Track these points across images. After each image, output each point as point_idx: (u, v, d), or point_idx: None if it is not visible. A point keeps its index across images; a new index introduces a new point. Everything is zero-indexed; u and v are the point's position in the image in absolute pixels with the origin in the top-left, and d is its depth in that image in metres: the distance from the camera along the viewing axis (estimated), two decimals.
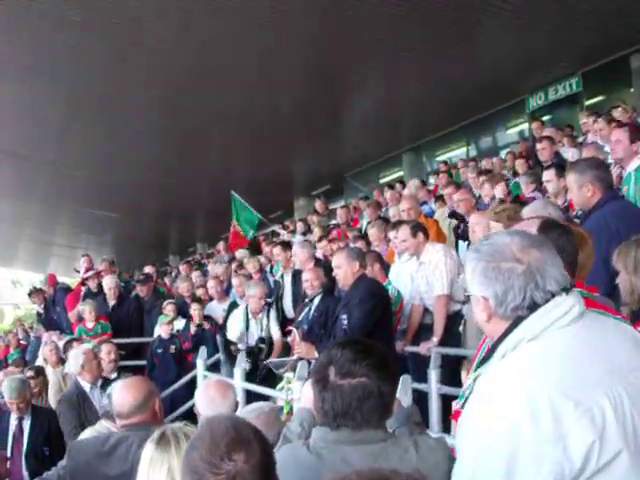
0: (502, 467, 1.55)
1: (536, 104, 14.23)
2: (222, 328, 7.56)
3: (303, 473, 1.95)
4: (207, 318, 8.22)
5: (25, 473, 5.21)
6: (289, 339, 6.14)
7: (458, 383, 4.63)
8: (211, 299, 8.96)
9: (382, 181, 18.32)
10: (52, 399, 6.54)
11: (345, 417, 1.97)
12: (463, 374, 4.60)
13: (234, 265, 10.24)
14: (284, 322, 7.09)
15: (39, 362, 8.10)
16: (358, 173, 19.85)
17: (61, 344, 7.35)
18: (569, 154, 8.45)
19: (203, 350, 7.37)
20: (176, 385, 7.67)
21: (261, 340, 6.77)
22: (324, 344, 5.04)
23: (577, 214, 4.85)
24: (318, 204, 13.87)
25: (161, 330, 8.19)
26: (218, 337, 7.11)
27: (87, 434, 3.70)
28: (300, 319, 6.06)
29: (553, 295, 1.73)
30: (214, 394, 3.16)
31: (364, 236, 8.19)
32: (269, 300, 7.37)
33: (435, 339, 5.59)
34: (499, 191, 7.21)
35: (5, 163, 17.48)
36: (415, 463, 1.92)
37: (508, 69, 12.50)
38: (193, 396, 3.48)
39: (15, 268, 41.63)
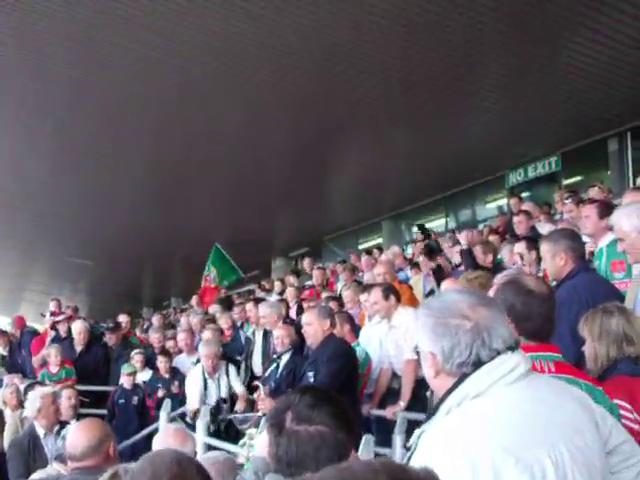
0: None
1: (515, 180, 14.49)
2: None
3: None
4: (174, 370, 8.07)
5: None
6: (255, 395, 6.05)
7: None
8: (180, 352, 8.82)
9: (361, 247, 18.39)
10: (7, 442, 6.31)
11: (300, 466, 1.87)
12: None
13: (206, 319, 10.12)
14: (252, 379, 7.00)
15: None
16: (337, 237, 19.98)
17: (22, 387, 7.17)
18: (545, 229, 8.55)
19: (167, 403, 7.19)
20: (138, 436, 7.45)
21: (223, 401, 6.73)
22: None
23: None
24: (306, 262, 13.87)
25: (123, 380, 8.03)
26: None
27: (36, 477, 3.57)
28: (268, 375, 5.99)
29: (499, 353, 1.74)
30: (172, 442, 3.09)
31: (338, 298, 8.16)
32: (239, 358, 7.30)
33: (402, 403, 5.52)
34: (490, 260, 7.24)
35: None
36: None
37: (490, 145, 12.82)
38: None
39: None
